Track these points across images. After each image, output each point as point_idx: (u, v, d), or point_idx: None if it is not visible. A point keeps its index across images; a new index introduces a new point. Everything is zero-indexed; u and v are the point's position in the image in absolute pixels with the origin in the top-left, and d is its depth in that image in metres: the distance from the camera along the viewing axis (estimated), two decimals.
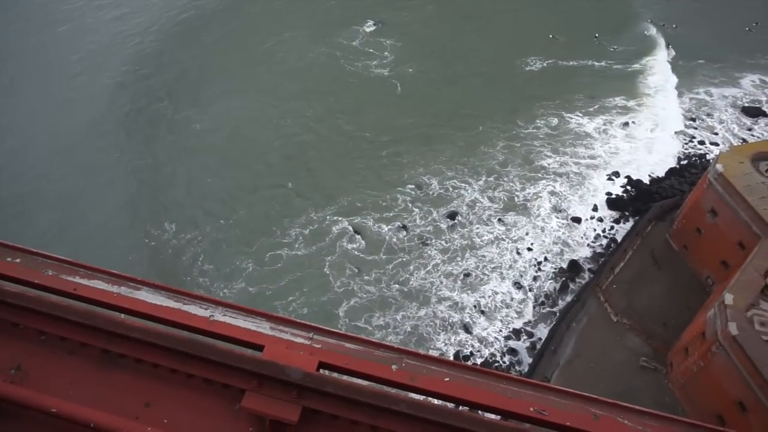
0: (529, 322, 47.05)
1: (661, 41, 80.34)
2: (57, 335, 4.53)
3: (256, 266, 48.53)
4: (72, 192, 53.95)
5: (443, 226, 53.57)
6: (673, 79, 73.78)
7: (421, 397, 4.57)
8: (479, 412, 4.65)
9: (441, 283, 49.03)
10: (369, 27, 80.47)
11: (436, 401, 4.64)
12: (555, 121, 65.92)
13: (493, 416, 4.69)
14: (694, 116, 69.14)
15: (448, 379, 4.58)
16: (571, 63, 74.87)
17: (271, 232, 51.29)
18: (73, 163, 56.62)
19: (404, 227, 52.99)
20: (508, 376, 4.69)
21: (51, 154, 57.29)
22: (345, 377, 4.59)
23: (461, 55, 75.22)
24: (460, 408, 4.64)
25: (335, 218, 53.18)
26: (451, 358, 43.79)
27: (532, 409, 4.50)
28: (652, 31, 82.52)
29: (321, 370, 4.51)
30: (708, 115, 69.76)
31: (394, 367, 4.63)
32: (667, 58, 77.16)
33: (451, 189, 56.96)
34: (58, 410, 4.00)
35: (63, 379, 4.39)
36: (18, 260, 4.95)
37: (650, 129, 66.47)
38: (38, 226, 50.09)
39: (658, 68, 75.59)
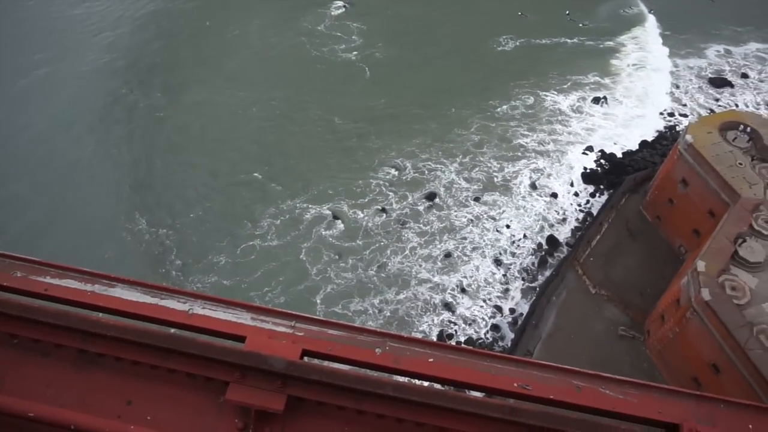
0: (510, 298, 47.74)
1: (633, 15, 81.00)
2: (30, 338, 4.41)
3: (229, 259, 48.07)
4: (40, 190, 52.56)
5: (421, 208, 53.75)
6: (646, 53, 74.67)
7: (407, 380, 4.59)
8: (465, 390, 4.69)
9: (421, 265, 49.33)
10: (336, 10, 79.26)
11: (421, 382, 4.67)
12: (530, 99, 66.19)
13: (478, 394, 4.75)
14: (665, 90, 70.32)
15: (432, 359, 4.61)
16: (543, 41, 75.01)
17: (243, 224, 50.78)
18: (38, 158, 55.12)
19: (383, 210, 53.01)
20: (491, 354, 4.74)
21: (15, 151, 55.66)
22: (329, 363, 4.58)
23: (431, 37, 74.70)
24: (446, 388, 4.67)
25: (308, 206, 52.88)
26: (435, 339, 44.28)
27: (516, 384, 4.56)
28: (622, 5, 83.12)
29: (305, 358, 4.49)
30: (676, 86, 70.91)
31: (377, 350, 4.64)
32: (641, 32, 77.95)
33: (426, 171, 57.04)
34: (37, 414, 3.90)
35: (39, 382, 4.28)
36: None
37: (624, 103, 67.39)
38: (8, 226, 48.82)
39: (630, 44, 76.34)
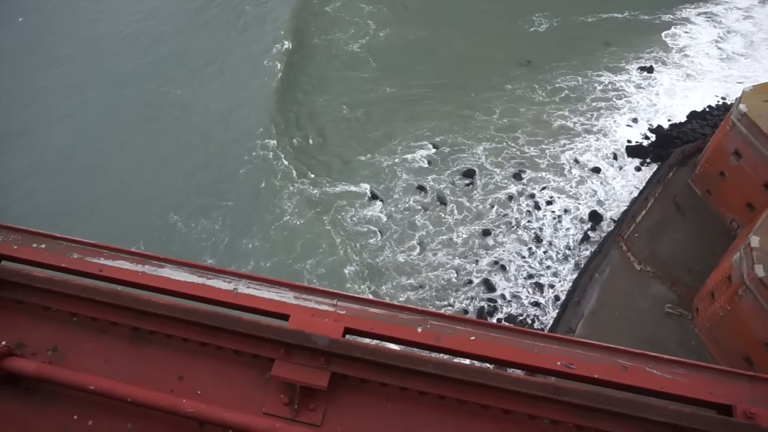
0: (552, 274, 47.06)
1: None
2: (88, 316, 4.65)
3: (263, 243, 48.13)
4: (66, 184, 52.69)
5: (459, 185, 53.23)
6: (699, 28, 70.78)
7: (448, 357, 4.61)
8: (506, 369, 4.68)
9: (460, 242, 49.06)
10: None
11: (462, 360, 4.68)
12: (574, 81, 63.67)
13: (520, 372, 4.72)
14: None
15: (473, 338, 4.60)
16: (588, 19, 71.35)
17: (279, 205, 50.56)
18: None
19: (420, 188, 52.78)
20: (533, 332, 4.69)
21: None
22: (371, 341, 4.64)
23: (455, 18, 71.90)
24: (487, 366, 4.67)
25: (345, 184, 52.89)
26: (475, 316, 44.22)
27: (559, 363, 4.51)
28: None
29: (347, 336, 4.56)
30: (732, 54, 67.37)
31: (419, 329, 4.66)
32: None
33: (463, 150, 56.20)
34: (97, 387, 4.12)
35: (98, 357, 4.52)
36: (43, 246, 5.05)
37: (674, 73, 64.58)
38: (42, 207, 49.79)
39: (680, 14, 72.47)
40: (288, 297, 4.78)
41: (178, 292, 4.81)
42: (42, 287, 4.59)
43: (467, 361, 4.67)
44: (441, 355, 4.66)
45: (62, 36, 68.65)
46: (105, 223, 49.08)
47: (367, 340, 4.66)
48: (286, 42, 67.69)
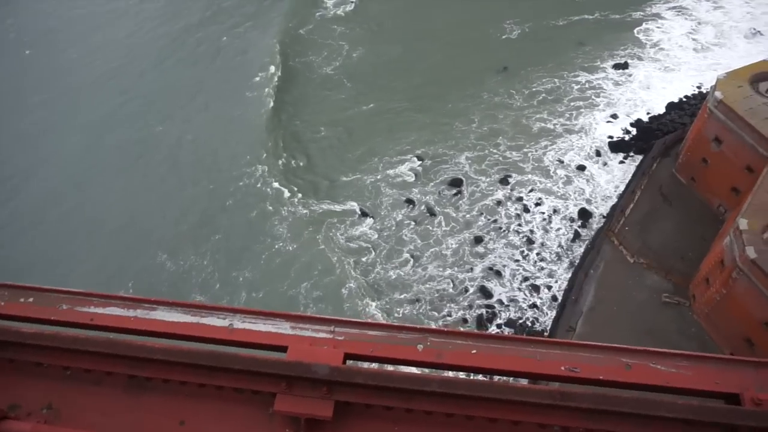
0: (547, 275, 47.14)
1: None
2: (81, 368, 4.55)
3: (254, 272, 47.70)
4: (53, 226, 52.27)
5: (447, 195, 53.38)
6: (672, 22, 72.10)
7: (453, 374, 4.57)
8: (511, 379, 4.65)
9: (452, 251, 49.08)
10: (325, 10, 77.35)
11: (466, 375, 4.64)
12: (550, 83, 64.32)
13: (526, 381, 4.69)
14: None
15: (474, 351, 4.57)
16: (559, 23, 72.24)
17: (269, 230, 50.39)
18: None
19: (408, 201, 52.87)
20: (534, 339, 4.68)
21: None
22: (373, 365, 4.59)
23: (427, 31, 72.18)
24: (491, 378, 4.63)
25: (333, 204, 52.94)
26: (474, 324, 44.11)
27: (563, 368, 4.49)
28: None
29: (347, 362, 4.51)
30: (704, 45, 68.67)
31: (419, 347, 4.63)
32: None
33: (447, 161, 56.45)
34: None
35: (95, 410, 4.42)
36: (31, 299, 4.96)
37: (650, 67, 65.64)
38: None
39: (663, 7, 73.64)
40: (284, 328, 4.73)
41: (173, 333, 4.74)
42: (32, 343, 4.50)
43: (471, 375, 4.64)
44: (448, 371, 4.63)
45: (37, 81, 68.43)
46: (93, 269, 48.41)
47: (368, 364, 4.61)
48: (272, 67, 67.85)
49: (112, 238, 51.13)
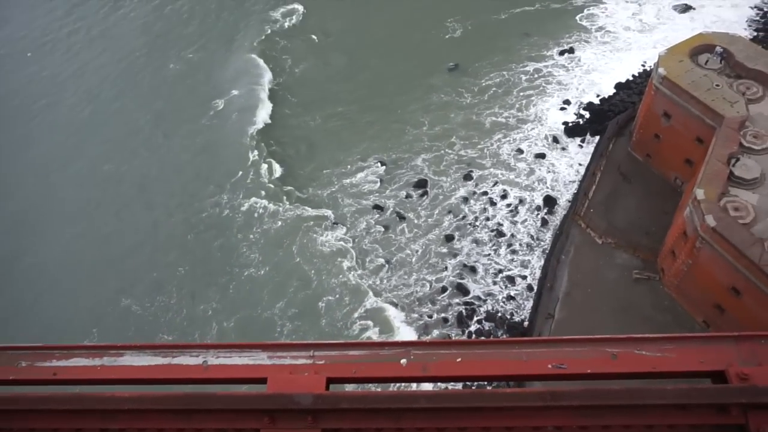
0: (520, 265, 47.72)
1: None
2: (48, 429, 4.25)
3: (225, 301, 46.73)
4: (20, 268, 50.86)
5: (414, 197, 53.50)
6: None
7: (442, 386, 4.45)
8: (499, 384, 4.56)
9: (425, 252, 49.23)
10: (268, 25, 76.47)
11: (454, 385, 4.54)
12: (499, 77, 65.06)
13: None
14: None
15: (459, 359, 4.48)
16: (502, 16, 73.16)
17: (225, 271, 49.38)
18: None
19: (377, 207, 52.82)
20: (519, 340, 4.62)
21: None
22: (357, 387, 4.44)
23: (368, 41, 72.05)
24: (479, 385, 4.53)
25: (304, 211, 52.59)
26: (455, 322, 44.27)
27: (550, 365, 4.44)
28: None
29: (331, 387, 4.35)
30: (643, 22, 70.89)
31: (403, 361, 4.51)
32: None
33: (409, 165, 56.56)
34: None
35: None
36: None
37: (595, 50, 67.34)
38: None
39: None
40: (262, 358, 4.54)
41: (144, 378, 4.50)
42: None
43: (459, 386, 4.54)
44: (438, 384, 4.52)
45: None
46: (51, 321, 46.51)
47: (353, 386, 4.46)
48: (219, 102, 66.36)
49: (68, 287, 49.21)
